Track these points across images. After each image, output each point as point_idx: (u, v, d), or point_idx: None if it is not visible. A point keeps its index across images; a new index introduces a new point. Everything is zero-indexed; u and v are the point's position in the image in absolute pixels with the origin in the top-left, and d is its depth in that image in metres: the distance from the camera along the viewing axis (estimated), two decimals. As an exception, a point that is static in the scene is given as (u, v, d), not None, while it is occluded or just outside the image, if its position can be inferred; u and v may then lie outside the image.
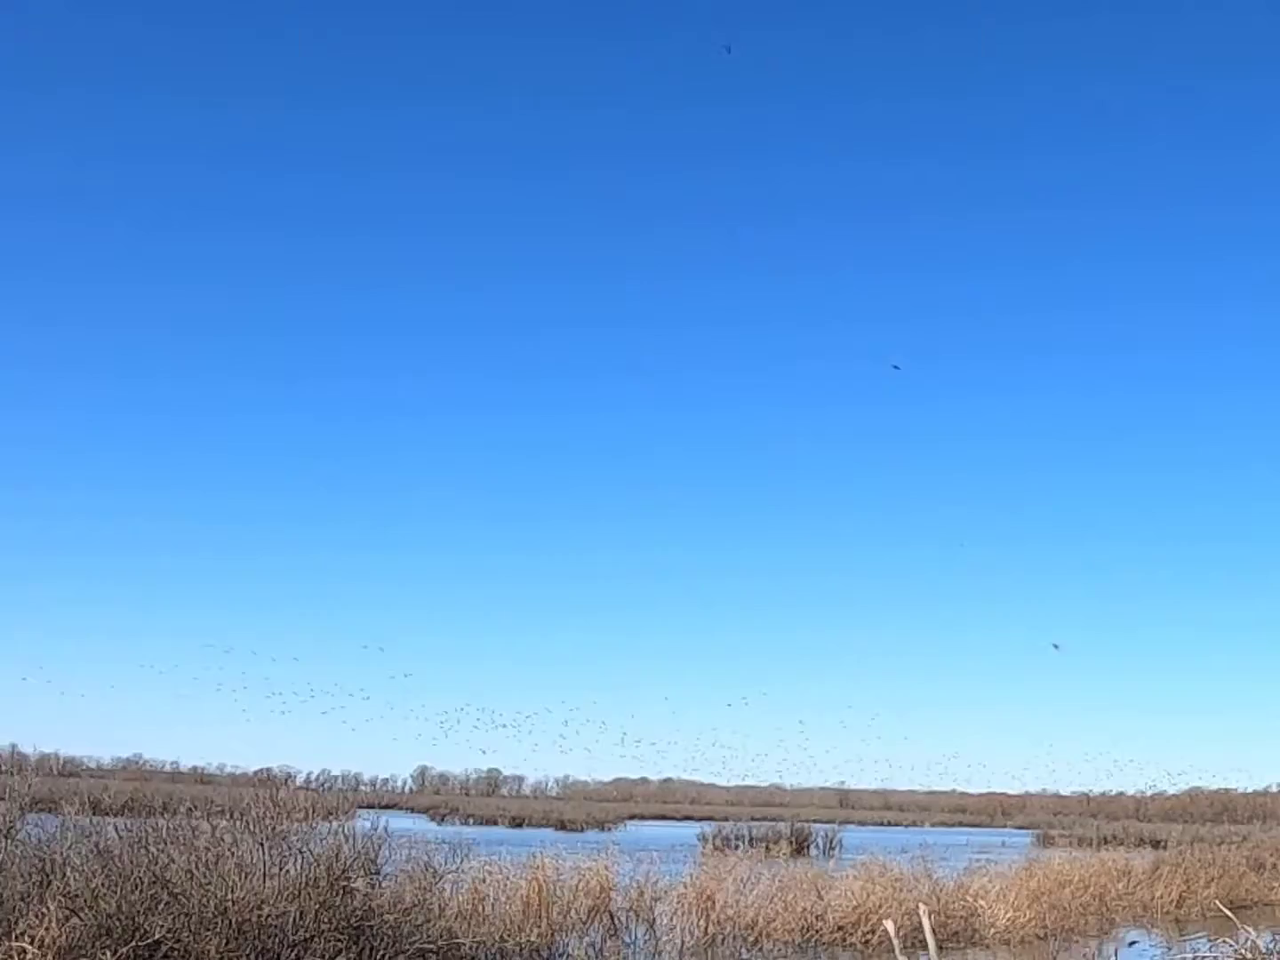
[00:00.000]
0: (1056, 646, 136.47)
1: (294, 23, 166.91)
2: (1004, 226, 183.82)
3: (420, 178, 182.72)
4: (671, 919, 26.85)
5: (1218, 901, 36.07)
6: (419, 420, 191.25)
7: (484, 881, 24.38)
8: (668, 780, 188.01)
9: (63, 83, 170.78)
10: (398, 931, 19.69)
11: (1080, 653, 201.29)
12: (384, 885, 20.54)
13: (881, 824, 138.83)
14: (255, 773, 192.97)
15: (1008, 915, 30.40)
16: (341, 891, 19.08)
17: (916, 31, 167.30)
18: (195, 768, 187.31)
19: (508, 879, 25.22)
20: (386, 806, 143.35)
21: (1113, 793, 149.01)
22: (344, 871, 19.40)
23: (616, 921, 26.55)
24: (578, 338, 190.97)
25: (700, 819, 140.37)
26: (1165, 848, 57.47)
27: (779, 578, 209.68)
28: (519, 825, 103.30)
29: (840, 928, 28.15)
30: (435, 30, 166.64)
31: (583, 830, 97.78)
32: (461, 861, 22.50)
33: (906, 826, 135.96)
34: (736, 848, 69.09)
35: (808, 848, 68.78)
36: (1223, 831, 70.85)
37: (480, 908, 23.59)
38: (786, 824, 71.34)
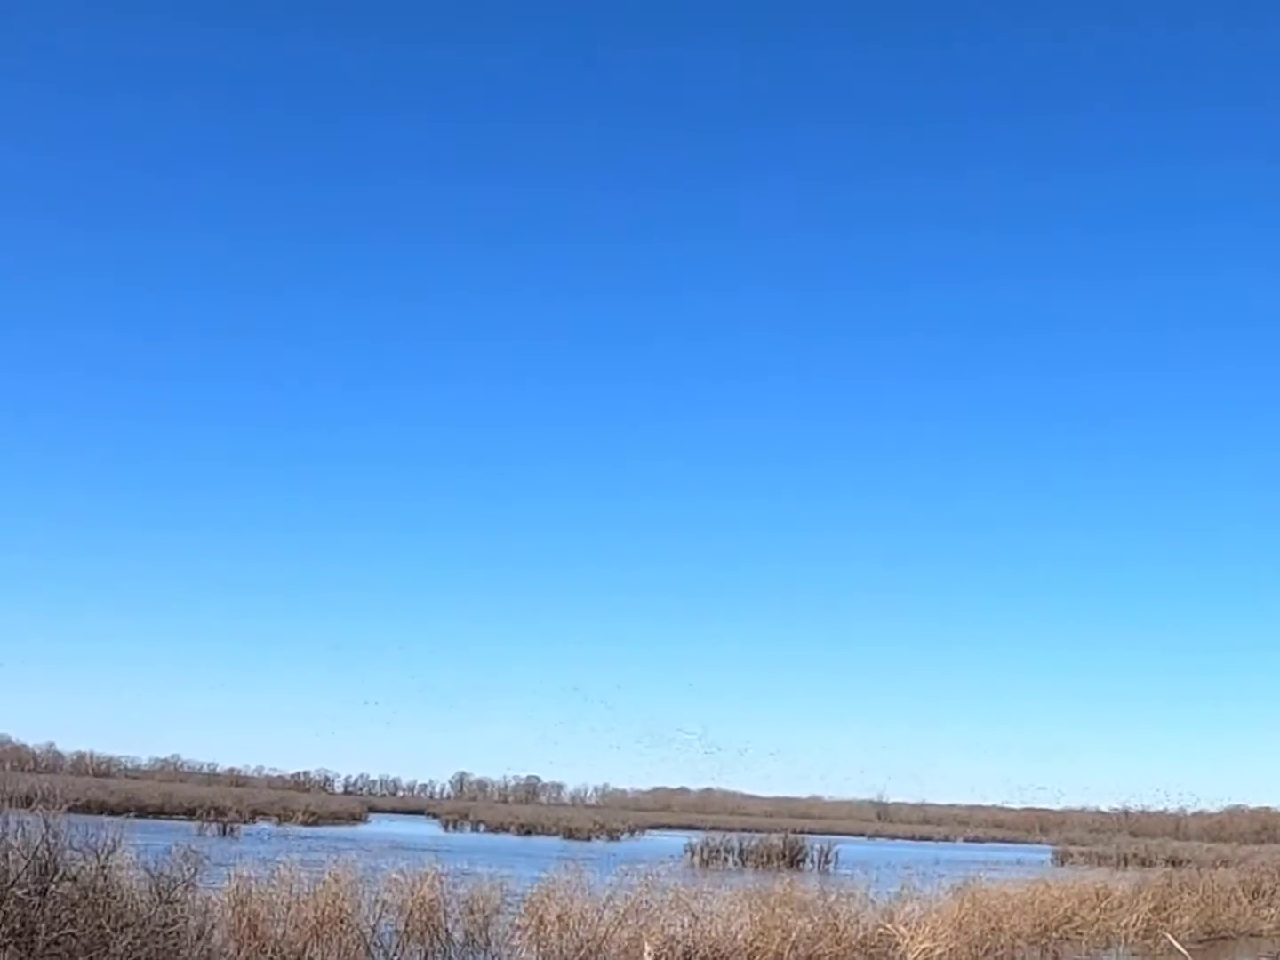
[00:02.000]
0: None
1: (290, 27, 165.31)
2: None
3: (418, 183, 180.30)
4: (505, 940, 23.48)
5: (1184, 932, 32.50)
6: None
7: (251, 896, 20.96)
8: (707, 790, 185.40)
9: (70, 88, 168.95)
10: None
11: (1124, 669, 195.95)
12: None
13: (914, 838, 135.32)
14: (293, 776, 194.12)
15: (923, 945, 26.79)
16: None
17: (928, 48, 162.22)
18: (232, 770, 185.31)
19: (297, 893, 21.77)
20: (412, 811, 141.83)
21: (1153, 810, 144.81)
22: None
23: (439, 940, 23.05)
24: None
25: (732, 830, 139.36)
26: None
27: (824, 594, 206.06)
28: (528, 833, 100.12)
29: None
30: (433, 39, 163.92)
31: (589, 839, 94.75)
32: (195, 873, 18.87)
33: (937, 841, 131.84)
34: (725, 860, 66.28)
35: (801, 861, 65.27)
36: (1246, 852, 66.55)
37: (256, 927, 20.35)
38: (780, 836, 67.57)
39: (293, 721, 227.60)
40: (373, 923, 21.99)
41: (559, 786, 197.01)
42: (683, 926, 24.84)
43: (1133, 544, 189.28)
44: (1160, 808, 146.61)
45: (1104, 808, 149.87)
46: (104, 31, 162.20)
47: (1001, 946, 28.66)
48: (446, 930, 23.24)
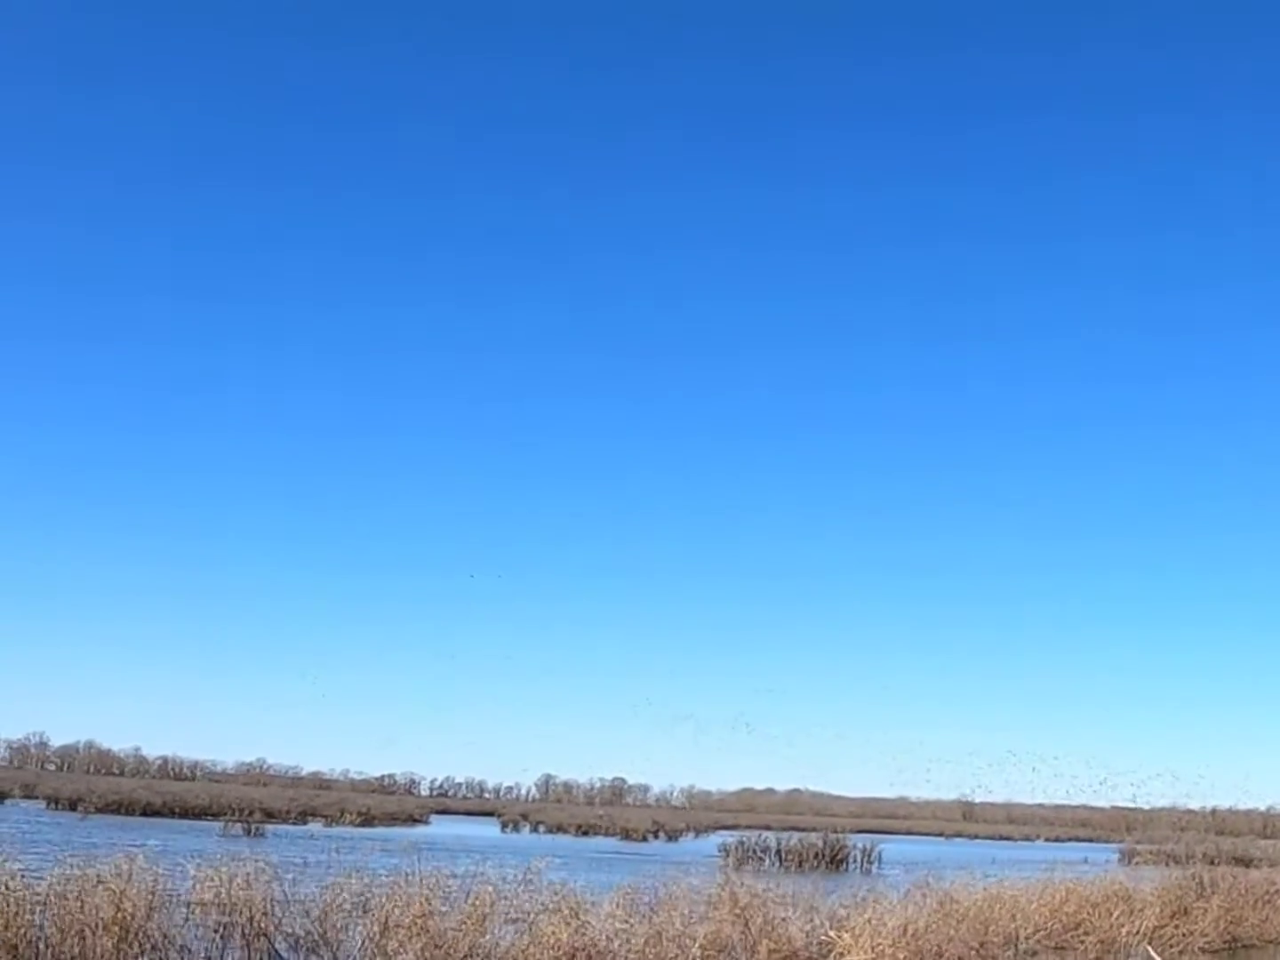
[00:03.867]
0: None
1: (303, 43, 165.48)
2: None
3: (420, 197, 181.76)
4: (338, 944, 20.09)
5: (1200, 940, 28.36)
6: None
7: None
8: (794, 791, 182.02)
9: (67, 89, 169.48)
10: None
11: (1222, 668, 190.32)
12: None
13: (996, 838, 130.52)
14: (378, 779, 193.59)
15: (865, 956, 23.00)
16: None
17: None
18: (316, 773, 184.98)
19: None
20: (487, 813, 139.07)
21: (1240, 808, 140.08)
22: None
23: (255, 945, 19.65)
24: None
25: (815, 830, 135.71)
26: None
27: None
28: (585, 834, 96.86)
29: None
30: (425, 50, 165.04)
31: (645, 840, 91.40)
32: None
33: (1016, 841, 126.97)
34: (762, 860, 62.37)
35: (844, 862, 61.31)
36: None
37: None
38: (820, 835, 63.57)
39: (380, 726, 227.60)
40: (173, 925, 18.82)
41: (645, 788, 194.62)
42: (565, 932, 21.25)
43: (1220, 545, 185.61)
44: (1248, 806, 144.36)
45: (1192, 806, 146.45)
46: (106, 34, 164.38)
47: (965, 954, 24.68)
48: (268, 934, 19.90)
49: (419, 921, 20.46)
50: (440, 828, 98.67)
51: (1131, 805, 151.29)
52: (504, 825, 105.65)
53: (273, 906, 20.23)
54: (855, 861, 61.71)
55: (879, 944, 23.10)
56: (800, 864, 59.92)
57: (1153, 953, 23.24)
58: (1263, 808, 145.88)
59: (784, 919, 24.26)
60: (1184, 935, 29.14)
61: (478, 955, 20.55)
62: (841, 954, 23.30)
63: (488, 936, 20.77)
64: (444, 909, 21.08)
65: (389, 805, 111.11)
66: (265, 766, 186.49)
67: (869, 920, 23.86)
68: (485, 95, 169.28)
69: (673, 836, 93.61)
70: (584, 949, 21.14)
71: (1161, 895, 31.59)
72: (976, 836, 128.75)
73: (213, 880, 20.22)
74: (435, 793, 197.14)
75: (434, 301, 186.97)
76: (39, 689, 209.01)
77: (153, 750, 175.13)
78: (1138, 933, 28.40)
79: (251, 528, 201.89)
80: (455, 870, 23.47)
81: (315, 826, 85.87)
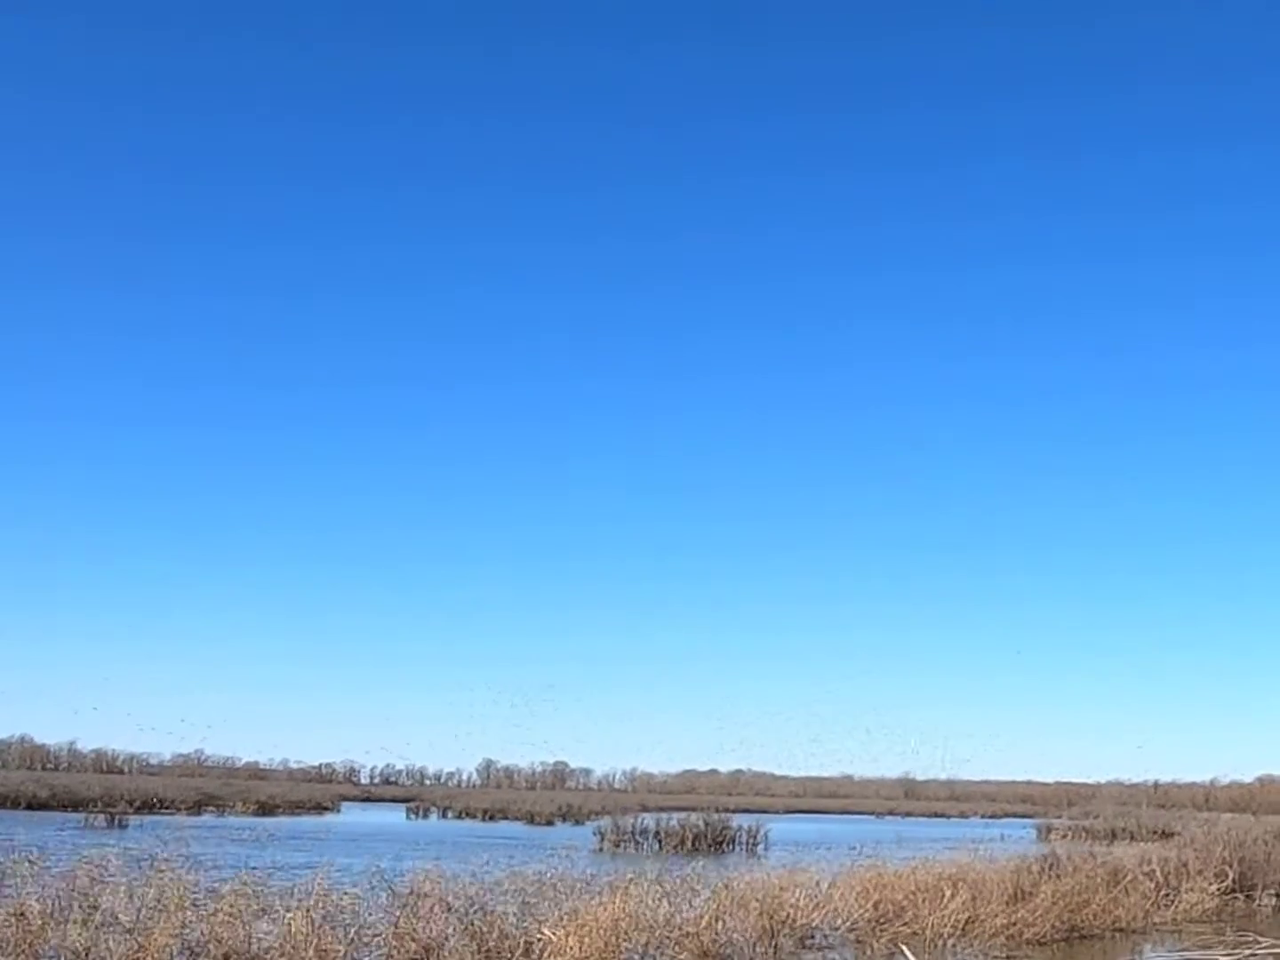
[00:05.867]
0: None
1: (296, 33, 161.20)
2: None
3: (423, 187, 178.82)
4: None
5: (1028, 931, 24.32)
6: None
7: None
8: (737, 772, 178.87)
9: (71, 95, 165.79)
10: None
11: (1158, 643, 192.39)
12: None
13: (935, 816, 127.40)
14: (316, 768, 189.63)
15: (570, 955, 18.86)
16: None
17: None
18: (253, 763, 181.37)
19: None
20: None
21: (1183, 782, 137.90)
22: None
23: None
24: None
25: (755, 811, 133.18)
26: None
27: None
28: (491, 819, 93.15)
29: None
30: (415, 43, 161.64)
31: (551, 824, 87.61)
32: None
33: (952, 818, 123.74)
34: (639, 844, 58.42)
35: (727, 843, 57.46)
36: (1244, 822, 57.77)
37: None
38: (701, 815, 59.59)
39: (322, 715, 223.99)
40: None
41: (587, 772, 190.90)
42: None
43: (1158, 521, 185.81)
44: (1191, 779, 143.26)
45: (1134, 780, 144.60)
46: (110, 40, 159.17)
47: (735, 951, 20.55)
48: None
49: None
50: (347, 816, 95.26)
51: (1076, 780, 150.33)
52: (409, 812, 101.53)
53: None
54: (740, 843, 57.70)
55: (584, 938, 19.02)
56: (680, 846, 56.02)
57: (908, 953, 19.16)
58: (1205, 780, 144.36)
59: (503, 913, 20.15)
60: (1012, 924, 25.00)
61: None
62: (542, 952, 19.26)
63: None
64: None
65: (297, 793, 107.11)
66: (203, 758, 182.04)
67: (580, 913, 19.72)
68: (464, 82, 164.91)
69: (579, 820, 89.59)
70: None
71: (999, 879, 27.41)
72: (910, 814, 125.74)
73: None
74: (376, 780, 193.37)
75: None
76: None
77: (89, 744, 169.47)
78: (947, 924, 24.28)
79: (177, 515, 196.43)
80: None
81: (208, 817, 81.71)
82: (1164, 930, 28.76)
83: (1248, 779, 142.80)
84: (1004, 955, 23.77)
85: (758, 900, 22.44)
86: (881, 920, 24.88)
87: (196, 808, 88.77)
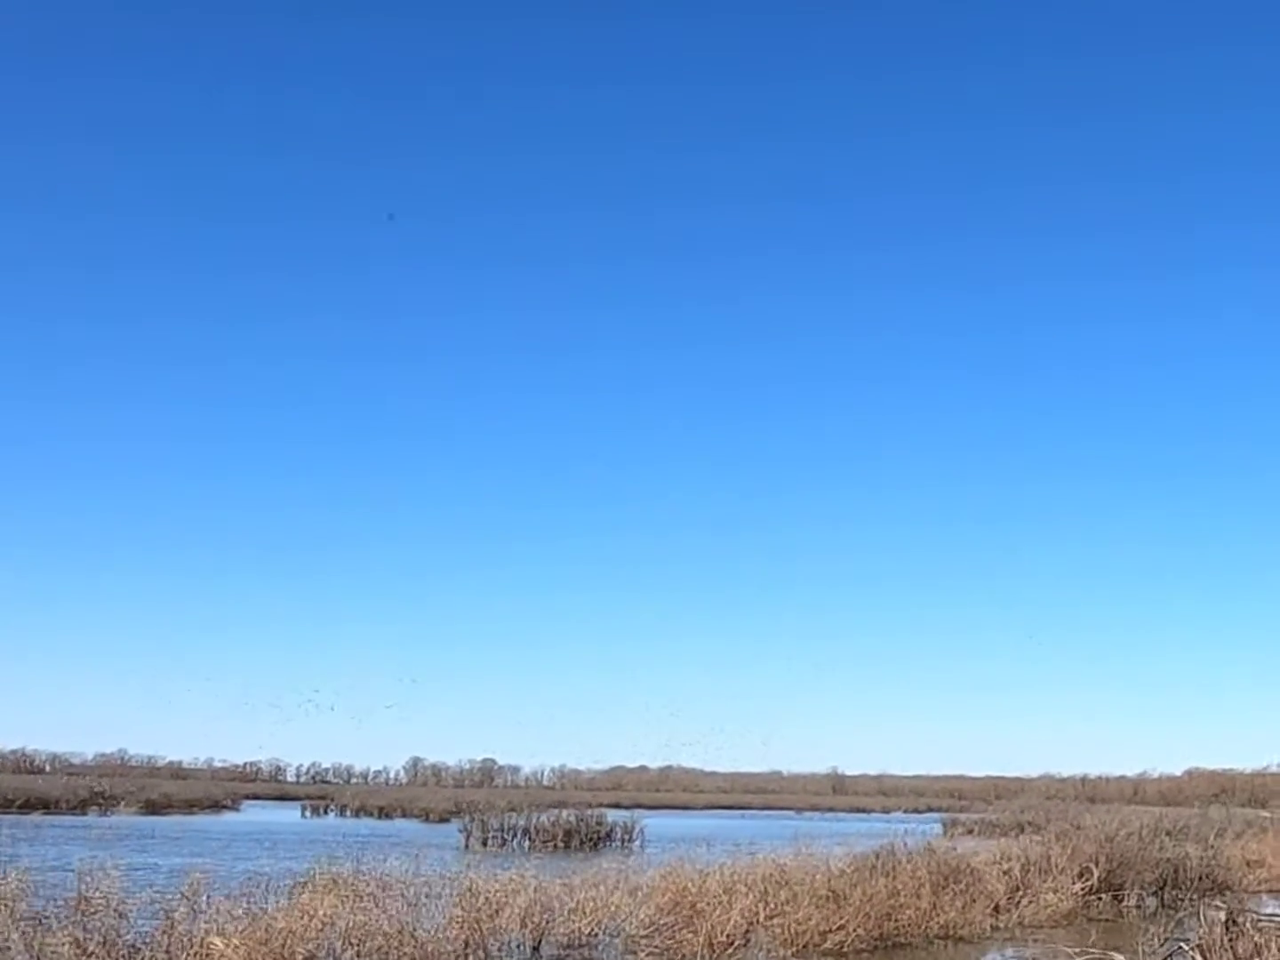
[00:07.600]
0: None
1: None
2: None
3: (417, 162, 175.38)
4: None
5: (830, 940, 20.82)
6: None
7: None
8: (666, 768, 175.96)
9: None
10: None
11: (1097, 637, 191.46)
12: None
13: (858, 810, 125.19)
14: (240, 767, 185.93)
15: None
16: None
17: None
18: (175, 762, 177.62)
19: None
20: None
21: (1113, 776, 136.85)
22: None
23: None
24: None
25: (682, 807, 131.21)
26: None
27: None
28: (387, 816, 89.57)
29: None
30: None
31: (447, 821, 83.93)
32: None
33: (872, 813, 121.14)
34: (505, 843, 54.98)
35: (602, 840, 54.10)
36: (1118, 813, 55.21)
37: None
38: (572, 812, 56.23)
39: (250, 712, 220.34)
40: None
41: (515, 769, 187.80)
42: None
43: (1092, 519, 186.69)
44: (1121, 773, 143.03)
45: (1064, 774, 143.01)
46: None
47: None
48: None
49: None
50: (243, 815, 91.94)
51: (1006, 775, 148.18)
52: (306, 810, 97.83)
53: None
54: (615, 839, 54.37)
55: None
56: (551, 844, 52.55)
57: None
58: (1133, 774, 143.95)
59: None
60: (804, 932, 21.43)
61: None
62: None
63: None
64: None
65: (190, 792, 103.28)
66: (126, 757, 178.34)
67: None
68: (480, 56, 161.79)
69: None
70: None
71: (813, 880, 23.83)
72: (833, 810, 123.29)
73: None
74: (303, 779, 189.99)
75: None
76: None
77: (9, 744, 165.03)
78: (723, 931, 20.67)
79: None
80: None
81: (91, 816, 79.11)
82: (1005, 938, 25.34)
83: (1177, 772, 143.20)
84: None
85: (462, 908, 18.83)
86: (662, 928, 21.32)
87: (82, 806, 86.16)
